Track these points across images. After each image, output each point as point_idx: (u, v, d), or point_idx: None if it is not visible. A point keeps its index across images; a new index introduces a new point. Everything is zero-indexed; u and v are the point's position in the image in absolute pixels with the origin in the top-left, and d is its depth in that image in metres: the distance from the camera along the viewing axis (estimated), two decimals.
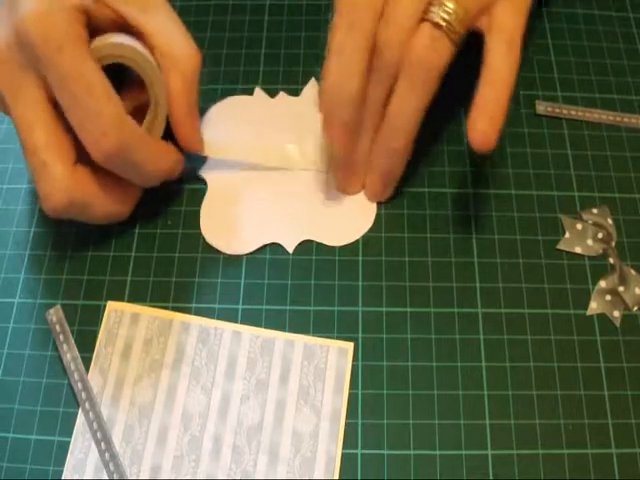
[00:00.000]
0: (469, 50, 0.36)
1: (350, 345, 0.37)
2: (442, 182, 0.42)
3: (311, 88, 0.45)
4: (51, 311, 0.37)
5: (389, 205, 0.41)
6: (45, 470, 0.34)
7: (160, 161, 0.38)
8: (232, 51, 0.46)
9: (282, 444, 0.35)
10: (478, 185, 0.42)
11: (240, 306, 0.38)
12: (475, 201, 0.41)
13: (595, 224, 0.41)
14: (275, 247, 0.40)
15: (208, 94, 0.42)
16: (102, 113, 0.34)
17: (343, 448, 0.35)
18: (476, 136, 0.35)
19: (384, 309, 0.38)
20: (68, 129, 0.35)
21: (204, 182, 0.41)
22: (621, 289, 0.39)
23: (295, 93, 0.45)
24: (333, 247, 0.40)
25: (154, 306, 0.38)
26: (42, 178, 0.35)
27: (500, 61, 0.36)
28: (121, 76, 0.37)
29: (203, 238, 0.40)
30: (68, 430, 0.35)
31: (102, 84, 0.34)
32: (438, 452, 0.35)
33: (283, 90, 0.45)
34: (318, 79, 0.45)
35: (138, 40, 0.37)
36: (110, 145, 0.34)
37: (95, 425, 0.35)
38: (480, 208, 0.41)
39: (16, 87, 0.35)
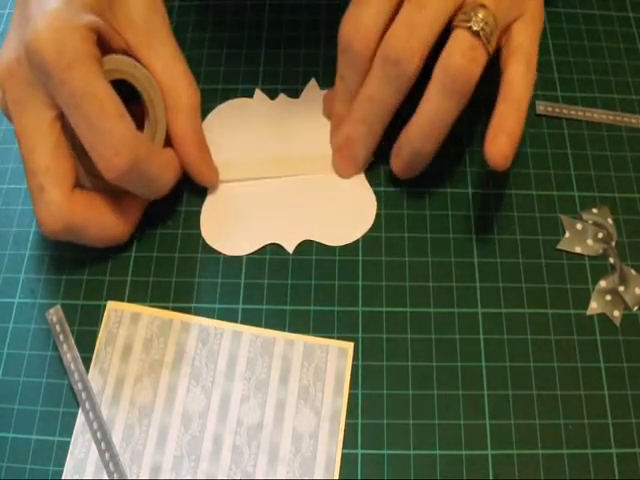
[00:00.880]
0: None
1: (350, 345, 0.37)
2: (442, 182, 0.42)
3: (311, 89, 0.45)
4: (51, 311, 0.37)
5: (389, 205, 0.41)
6: (45, 470, 0.34)
7: (170, 172, 0.38)
8: (232, 51, 0.46)
9: (282, 444, 0.35)
10: (478, 185, 0.42)
11: (240, 306, 0.38)
12: (475, 201, 0.41)
13: (595, 224, 0.41)
14: (275, 247, 0.40)
15: (208, 94, 0.42)
16: (114, 132, 0.34)
17: (343, 448, 0.35)
18: (494, 152, 0.35)
19: (384, 309, 0.38)
20: (71, 149, 0.35)
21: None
22: (621, 289, 0.39)
23: (295, 93, 0.45)
24: (333, 247, 0.40)
25: (154, 306, 0.38)
26: (39, 202, 0.35)
27: (519, 79, 0.36)
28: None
29: (203, 238, 0.40)
30: (68, 430, 0.35)
31: (114, 102, 0.34)
32: (438, 452, 0.35)
33: (283, 90, 0.45)
34: (318, 79, 0.45)
35: None
36: (123, 164, 0.34)
37: (95, 425, 0.35)
38: (480, 208, 0.41)
39: (23, 103, 0.35)
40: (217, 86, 0.44)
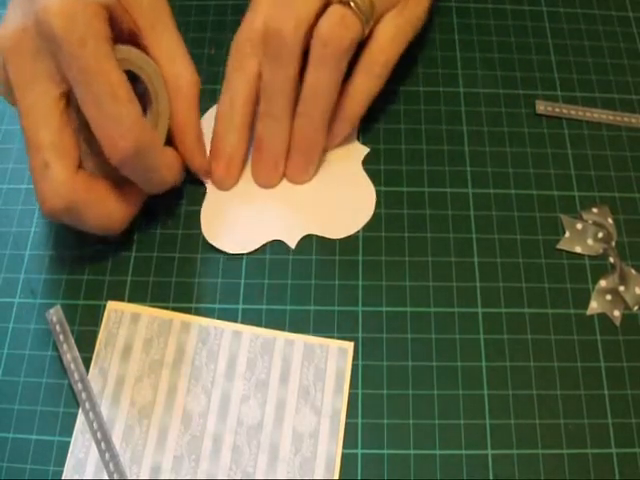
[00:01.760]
0: None
1: (350, 345, 0.37)
2: (442, 182, 0.42)
3: None
4: (51, 311, 0.37)
5: (389, 205, 0.41)
6: (45, 470, 0.34)
7: (172, 167, 0.38)
8: None
9: (282, 444, 0.35)
10: (478, 185, 0.42)
11: (240, 306, 0.38)
12: (475, 201, 0.41)
13: (595, 224, 0.41)
14: (275, 247, 0.40)
15: (208, 94, 0.42)
16: (123, 115, 0.33)
17: (343, 448, 0.35)
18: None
19: (384, 309, 0.38)
20: (76, 129, 0.35)
21: (204, 182, 0.41)
22: (621, 289, 0.39)
23: None
24: (334, 246, 0.40)
25: (154, 306, 0.38)
26: (42, 179, 0.34)
27: (360, 94, 0.40)
28: None
29: (203, 238, 0.40)
30: (68, 430, 0.35)
31: (124, 84, 0.33)
32: (438, 452, 0.35)
33: None
34: None
35: None
36: (128, 148, 0.34)
37: (95, 425, 0.35)
38: (480, 208, 0.41)
39: (28, 78, 0.34)
40: (217, 86, 0.44)
